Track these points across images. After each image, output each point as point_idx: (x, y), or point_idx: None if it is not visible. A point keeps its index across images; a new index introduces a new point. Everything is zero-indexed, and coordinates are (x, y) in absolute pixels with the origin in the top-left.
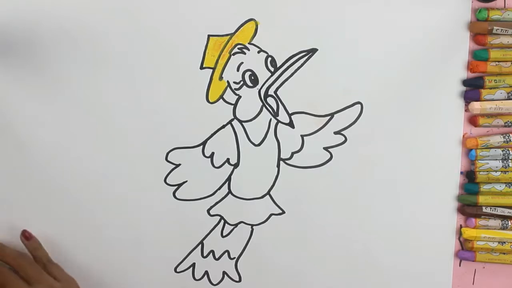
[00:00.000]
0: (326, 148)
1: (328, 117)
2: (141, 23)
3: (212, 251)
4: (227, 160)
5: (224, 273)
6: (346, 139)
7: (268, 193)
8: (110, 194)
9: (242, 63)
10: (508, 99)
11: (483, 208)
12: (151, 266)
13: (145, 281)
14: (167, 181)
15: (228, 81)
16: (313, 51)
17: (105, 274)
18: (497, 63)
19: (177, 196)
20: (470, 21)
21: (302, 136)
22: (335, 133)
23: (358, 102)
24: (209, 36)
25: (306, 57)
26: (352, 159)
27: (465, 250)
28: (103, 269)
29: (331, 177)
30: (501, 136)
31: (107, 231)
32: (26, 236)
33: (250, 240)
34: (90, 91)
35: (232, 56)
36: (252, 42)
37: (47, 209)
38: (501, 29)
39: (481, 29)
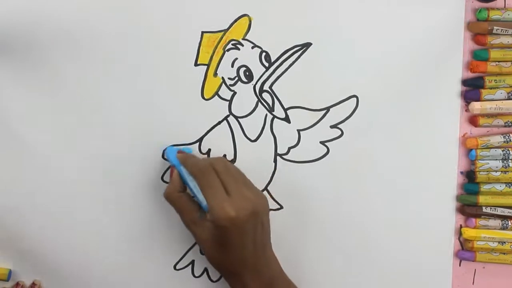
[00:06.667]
0: (322, 142)
1: (324, 111)
2: (135, 21)
3: None
4: (224, 157)
5: None
6: (342, 133)
7: (266, 188)
8: (107, 192)
9: (236, 59)
10: (508, 99)
11: (483, 208)
12: (150, 264)
13: (144, 278)
14: (164, 178)
15: (223, 77)
16: (307, 45)
17: (104, 273)
18: (497, 63)
19: None
20: (470, 21)
21: (298, 131)
22: (331, 127)
23: (354, 96)
24: (202, 32)
25: (301, 51)
26: (348, 153)
27: (465, 250)
28: (101, 267)
29: (328, 171)
30: (501, 136)
31: (105, 230)
32: None
33: None
34: (85, 88)
35: (226, 52)
36: (246, 38)
37: (46, 208)
38: (501, 29)
39: (481, 29)
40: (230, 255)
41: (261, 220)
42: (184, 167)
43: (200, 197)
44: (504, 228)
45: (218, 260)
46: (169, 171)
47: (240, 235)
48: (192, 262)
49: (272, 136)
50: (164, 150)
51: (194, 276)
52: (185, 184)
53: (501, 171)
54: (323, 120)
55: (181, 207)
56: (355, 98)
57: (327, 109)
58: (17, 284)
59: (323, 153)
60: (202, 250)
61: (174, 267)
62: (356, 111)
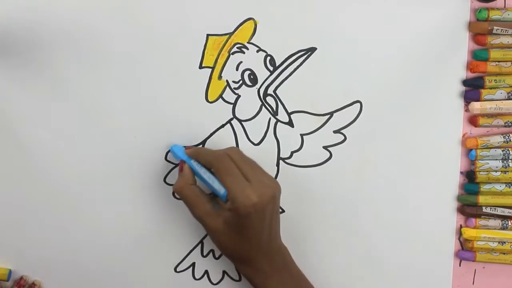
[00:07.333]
0: (325, 147)
1: (328, 116)
2: (140, 23)
3: (212, 250)
4: None
5: (224, 272)
6: (345, 138)
7: None
8: (110, 194)
9: (241, 62)
10: (508, 99)
11: (483, 208)
12: (151, 266)
13: (145, 281)
14: (167, 180)
15: (227, 81)
16: (312, 50)
17: (104, 274)
18: (497, 63)
19: (177, 196)
20: (470, 21)
21: (302, 135)
22: (335, 132)
23: (358, 101)
24: (208, 35)
25: (305, 56)
26: (351, 158)
27: (465, 250)
28: (102, 268)
29: (331, 176)
30: (501, 136)
31: (106, 231)
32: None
33: None
34: (88, 90)
35: (231, 56)
36: (251, 41)
37: (47, 209)
38: (501, 29)
39: (481, 29)
40: (246, 241)
41: (277, 205)
42: (197, 159)
43: (217, 186)
44: (504, 228)
45: (232, 249)
46: (171, 173)
47: (259, 220)
48: (193, 265)
49: (275, 140)
50: (167, 152)
51: (195, 279)
52: (196, 177)
53: (501, 171)
54: (326, 125)
55: (194, 199)
56: (358, 104)
57: (331, 114)
58: (21, 278)
59: (326, 158)
60: (213, 241)
61: (175, 269)
62: (360, 116)
